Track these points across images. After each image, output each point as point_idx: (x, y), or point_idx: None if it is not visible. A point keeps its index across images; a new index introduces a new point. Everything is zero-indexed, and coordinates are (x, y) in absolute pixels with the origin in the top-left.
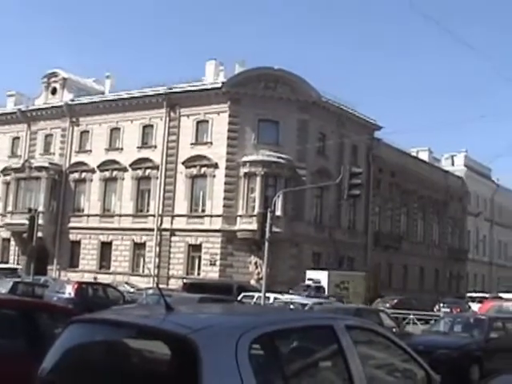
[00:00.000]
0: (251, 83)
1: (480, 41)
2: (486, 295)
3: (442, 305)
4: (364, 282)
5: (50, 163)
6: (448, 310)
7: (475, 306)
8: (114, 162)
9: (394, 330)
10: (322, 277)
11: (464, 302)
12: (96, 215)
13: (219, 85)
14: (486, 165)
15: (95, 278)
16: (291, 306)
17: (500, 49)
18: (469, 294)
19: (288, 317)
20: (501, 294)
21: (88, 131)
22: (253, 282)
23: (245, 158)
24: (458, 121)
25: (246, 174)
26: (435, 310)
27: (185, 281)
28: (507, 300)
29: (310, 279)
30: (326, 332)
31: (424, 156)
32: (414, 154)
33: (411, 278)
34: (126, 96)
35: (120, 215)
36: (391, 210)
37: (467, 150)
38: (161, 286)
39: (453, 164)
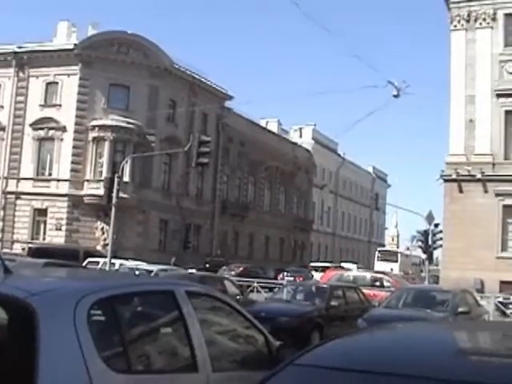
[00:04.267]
0: (104, 46)
1: (332, 20)
2: (329, 265)
3: (285, 273)
4: None
5: None
6: (291, 278)
7: (318, 275)
8: None
9: (238, 297)
10: None
11: (307, 271)
12: None
13: (71, 46)
14: (333, 139)
15: None
16: (136, 272)
17: (350, 28)
18: (312, 264)
19: (128, 282)
20: (342, 264)
21: None
22: (99, 247)
23: (94, 123)
24: (308, 94)
25: (94, 138)
26: (279, 278)
27: (30, 245)
28: (348, 270)
29: None
30: (166, 297)
31: (273, 127)
32: (263, 124)
33: (257, 246)
34: None
35: None
36: (239, 179)
37: (315, 124)
38: (5, 250)
39: (301, 136)
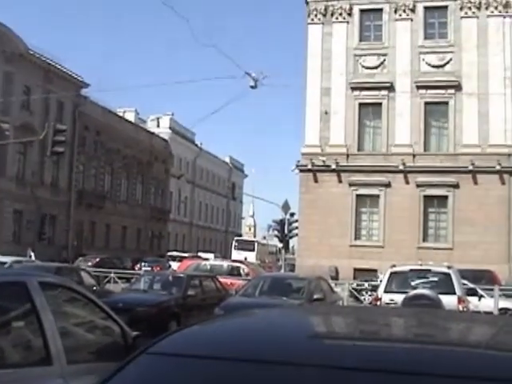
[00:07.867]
0: None
1: (192, 9)
2: (186, 254)
3: (143, 263)
4: None
5: None
6: (149, 268)
7: (175, 265)
8: None
9: (94, 288)
10: None
11: (165, 261)
12: None
13: None
14: (190, 128)
15: None
16: None
17: (212, 19)
18: (169, 253)
19: None
20: (200, 253)
21: None
22: None
23: None
24: (167, 83)
25: None
26: (136, 268)
27: None
28: (205, 259)
29: None
30: (18, 289)
31: (130, 116)
32: (120, 113)
33: (114, 236)
34: None
35: None
36: (95, 169)
37: (173, 113)
38: None
39: (158, 126)
